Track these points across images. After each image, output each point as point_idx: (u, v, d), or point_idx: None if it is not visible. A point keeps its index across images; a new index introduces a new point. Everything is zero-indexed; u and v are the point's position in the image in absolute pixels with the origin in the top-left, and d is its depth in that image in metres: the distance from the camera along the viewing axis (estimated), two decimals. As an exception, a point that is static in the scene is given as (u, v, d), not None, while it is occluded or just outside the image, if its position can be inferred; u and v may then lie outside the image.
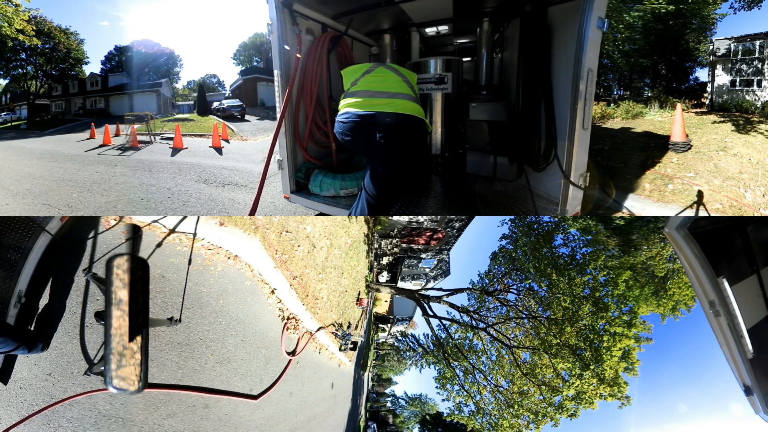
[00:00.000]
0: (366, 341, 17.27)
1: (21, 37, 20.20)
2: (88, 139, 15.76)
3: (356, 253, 10.05)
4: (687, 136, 7.97)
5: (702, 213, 5.66)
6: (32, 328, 2.76)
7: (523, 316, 10.16)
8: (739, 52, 14.01)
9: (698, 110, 13.86)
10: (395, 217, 14.55)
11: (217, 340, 4.00)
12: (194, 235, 3.90)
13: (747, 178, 6.55)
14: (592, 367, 9.27)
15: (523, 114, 4.46)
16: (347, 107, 3.11)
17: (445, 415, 15.05)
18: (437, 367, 13.11)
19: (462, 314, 11.11)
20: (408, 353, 31.54)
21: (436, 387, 13.06)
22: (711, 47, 14.97)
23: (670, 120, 9.87)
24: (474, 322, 10.76)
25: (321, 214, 4.76)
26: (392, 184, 3.16)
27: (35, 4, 25.58)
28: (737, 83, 14.03)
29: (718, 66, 14.54)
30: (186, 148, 13.49)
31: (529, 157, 4.45)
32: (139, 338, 2.18)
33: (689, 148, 7.85)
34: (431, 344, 17.33)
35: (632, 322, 9.64)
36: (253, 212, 3.58)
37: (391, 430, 36.86)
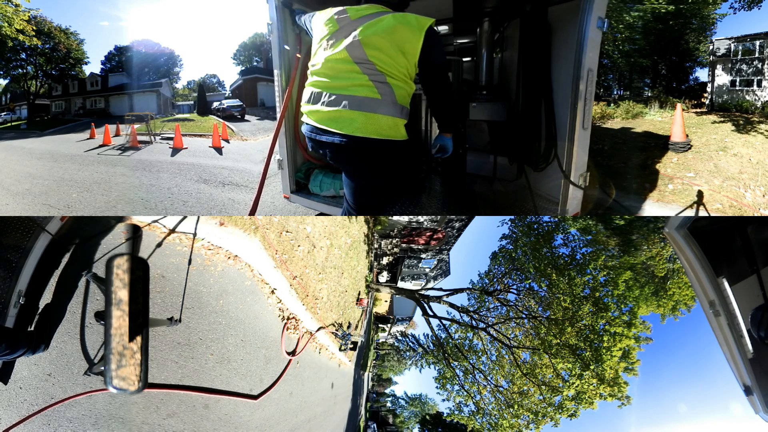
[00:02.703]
0: (366, 341, 17.27)
1: (21, 37, 20.20)
2: (88, 139, 15.76)
3: (356, 253, 10.04)
4: (687, 136, 7.97)
5: (702, 213, 5.66)
6: (33, 329, 2.76)
7: (523, 316, 10.16)
8: (739, 52, 14.01)
9: (698, 110, 13.86)
10: (395, 217, 14.55)
11: (217, 340, 4.00)
12: (194, 235, 3.90)
13: (747, 178, 6.55)
14: (592, 367, 9.28)
15: (523, 114, 4.46)
16: (303, 110, 2.52)
17: (445, 415, 15.08)
18: (437, 367, 13.14)
19: (462, 314, 11.12)
20: (408, 353, 31.55)
21: (436, 387, 13.09)
22: (711, 47, 14.97)
23: (670, 120, 9.86)
24: (474, 322, 10.76)
25: (321, 214, 4.76)
26: (361, 199, 2.63)
27: (35, 4, 25.60)
28: (737, 83, 14.03)
29: (718, 66, 14.54)
30: (186, 148, 13.49)
31: (529, 157, 4.45)
32: (139, 338, 2.18)
33: (689, 148, 7.85)
34: (431, 344, 17.34)
35: (632, 322, 9.65)
36: (253, 212, 3.58)
37: (391, 430, 36.86)
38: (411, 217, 14.73)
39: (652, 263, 11.86)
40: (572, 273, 9.86)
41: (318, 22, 2.51)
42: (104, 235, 3.35)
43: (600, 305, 9.53)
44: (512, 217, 10.88)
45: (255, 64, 34.13)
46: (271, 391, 4.83)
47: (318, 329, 6.78)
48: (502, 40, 5.32)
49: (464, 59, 6.16)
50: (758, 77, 13.50)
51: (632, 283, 10.23)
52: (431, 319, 11.17)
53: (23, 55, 25.47)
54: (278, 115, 4.11)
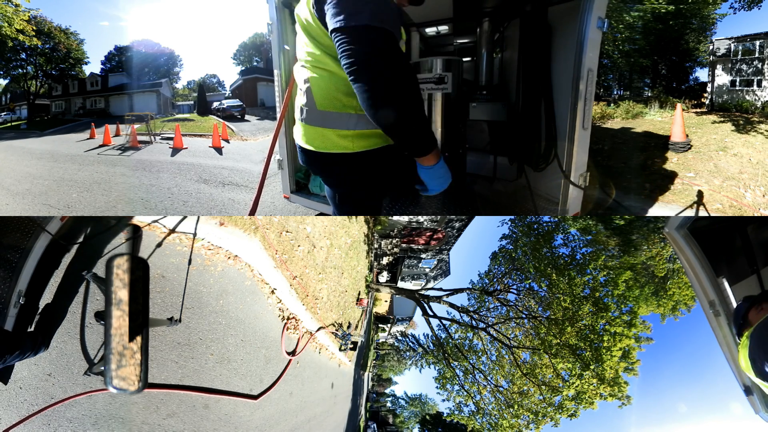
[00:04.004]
0: (366, 341, 17.27)
1: (21, 37, 20.23)
2: (88, 139, 15.77)
3: (356, 253, 10.04)
4: (687, 136, 7.98)
5: (702, 213, 5.66)
6: (33, 329, 2.76)
7: (523, 316, 10.16)
8: (739, 52, 14.02)
9: (698, 110, 13.86)
10: (395, 217, 14.56)
11: (217, 340, 4.00)
12: (194, 235, 3.90)
13: (747, 178, 6.55)
14: (592, 367, 9.28)
15: (523, 114, 4.46)
16: None
17: (445, 415, 15.06)
18: (437, 367, 13.13)
19: (462, 314, 11.12)
20: (408, 353, 31.55)
21: (436, 387, 13.08)
22: (711, 47, 14.99)
23: (670, 120, 9.87)
24: (474, 322, 10.76)
25: (321, 214, 4.76)
26: (334, 203, 2.23)
27: (35, 4, 25.64)
28: (737, 83, 14.03)
29: (718, 66, 14.55)
30: (186, 148, 13.49)
31: (529, 157, 4.46)
32: (139, 338, 2.18)
33: (689, 148, 7.85)
34: (431, 344, 17.32)
35: (632, 322, 9.65)
36: (253, 212, 3.57)
37: (391, 430, 36.86)
38: (411, 217, 14.73)
39: (652, 263, 11.86)
40: (572, 273, 9.86)
41: None
42: (107, 236, 3.35)
43: (600, 305, 9.54)
44: (512, 217, 10.89)
45: (255, 64, 34.17)
46: (271, 391, 4.83)
47: (318, 329, 6.77)
48: (502, 40, 5.33)
49: (464, 59, 6.16)
50: (758, 77, 13.51)
51: (632, 283, 10.23)
52: (431, 319, 11.17)
53: (23, 55, 25.50)
54: (278, 115, 4.11)
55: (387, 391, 41.05)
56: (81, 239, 3.19)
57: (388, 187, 2.04)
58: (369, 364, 21.09)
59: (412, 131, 1.52)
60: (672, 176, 6.82)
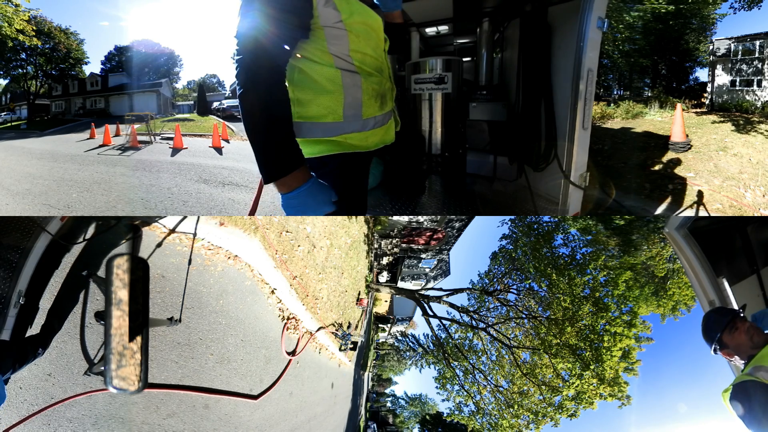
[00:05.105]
0: (366, 341, 17.26)
1: (21, 37, 20.23)
2: (88, 139, 15.77)
3: (356, 253, 10.04)
4: (687, 136, 7.97)
5: (702, 213, 5.66)
6: (39, 332, 2.75)
7: (523, 316, 10.17)
8: (739, 52, 14.02)
9: (698, 110, 13.86)
10: (395, 217, 14.56)
11: (217, 340, 4.00)
12: (194, 235, 3.90)
13: (747, 178, 6.55)
14: (592, 367, 9.28)
15: (523, 114, 4.45)
16: None
17: (445, 415, 15.07)
18: (437, 367, 13.15)
19: (462, 314, 11.13)
20: (408, 353, 31.58)
21: (436, 387, 13.10)
22: (711, 47, 14.98)
23: (670, 120, 9.87)
24: (474, 322, 10.76)
25: (321, 214, 4.75)
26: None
27: (35, 4, 25.61)
28: (737, 83, 14.03)
29: (718, 66, 14.55)
30: (186, 148, 13.49)
31: (529, 157, 4.45)
32: (139, 338, 2.17)
33: (689, 148, 7.85)
34: (431, 344, 17.34)
35: (632, 322, 9.66)
36: (253, 212, 3.56)
37: (391, 430, 36.88)
38: (411, 217, 14.73)
39: (652, 263, 11.86)
40: (572, 273, 9.87)
41: None
42: (111, 236, 3.35)
43: (600, 305, 9.54)
44: (512, 217, 10.89)
45: (255, 64, 34.08)
46: (271, 391, 4.84)
47: (318, 329, 6.77)
48: (502, 40, 5.32)
49: (464, 59, 6.16)
50: (758, 77, 13.51)
51: (632, 283, 10.24)
52: (431, 319, 11.18)
53: (23, 55, 25.49)
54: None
55: (387, 391, 41.10)
56: (83, 239, 3.19)
57: (349, 194, 1.87)
58: (369, 364, 21.10)
59: (256, 153, 1.45)
60: (672, 176, 6.82)
